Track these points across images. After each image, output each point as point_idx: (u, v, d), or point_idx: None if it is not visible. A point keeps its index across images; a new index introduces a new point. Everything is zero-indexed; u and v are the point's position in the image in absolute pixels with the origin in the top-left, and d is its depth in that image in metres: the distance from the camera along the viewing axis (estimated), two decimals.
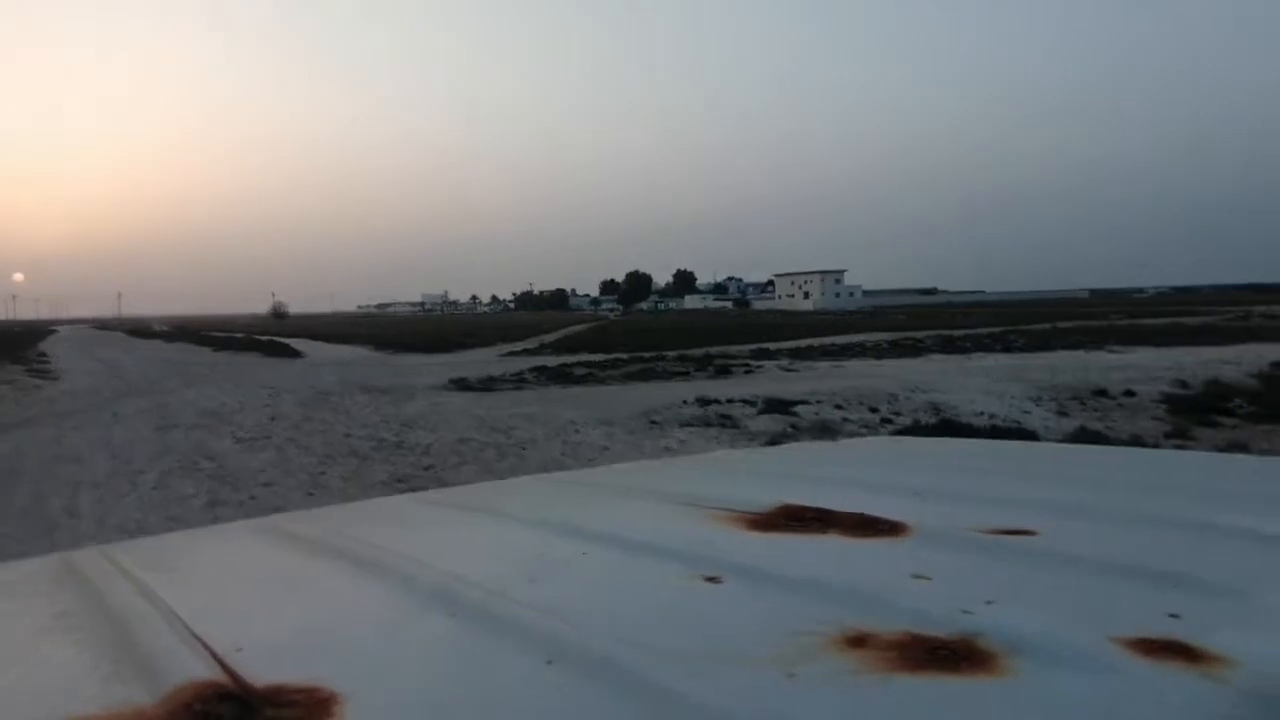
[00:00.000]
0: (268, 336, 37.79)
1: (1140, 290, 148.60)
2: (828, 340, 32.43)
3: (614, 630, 0.66)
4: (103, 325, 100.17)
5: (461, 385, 17.55)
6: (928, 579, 0.73)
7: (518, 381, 18.27)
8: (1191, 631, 0.60)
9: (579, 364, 22.76)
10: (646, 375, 19.56)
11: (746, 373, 19.15)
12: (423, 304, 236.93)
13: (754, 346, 29.43)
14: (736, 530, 0.92)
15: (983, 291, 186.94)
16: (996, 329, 37.03)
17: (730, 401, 12.65)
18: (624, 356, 25.31)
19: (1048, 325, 40.40)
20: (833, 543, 0.86)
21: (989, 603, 0.67)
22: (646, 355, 25.80)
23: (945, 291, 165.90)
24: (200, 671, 0.61)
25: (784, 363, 22.03)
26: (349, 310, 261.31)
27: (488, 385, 17.61)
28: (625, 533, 0.95)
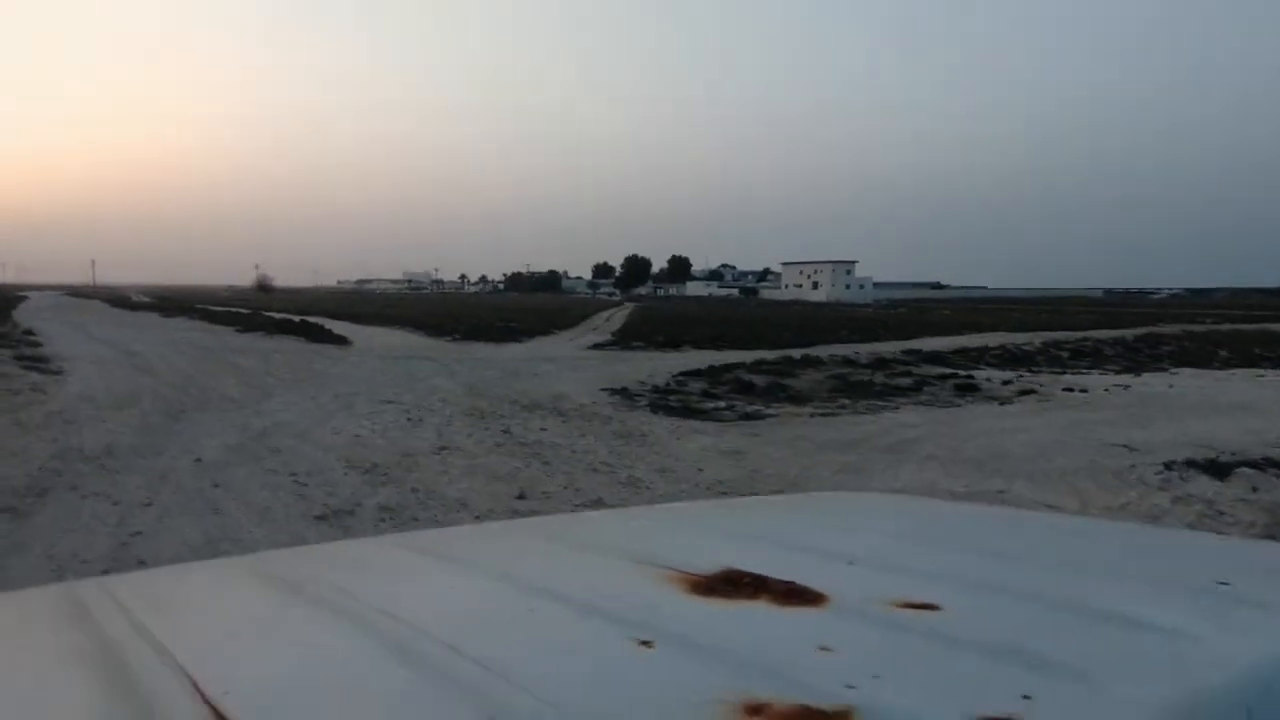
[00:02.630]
0: (299, 317, 32.03)
1: (1153, 291, 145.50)
2: (959, 342, 27.57)
3: (553, 691, 0.72)
4: (76, 292, 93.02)
5: (657, 406, 12.39)
6: (831, 651, 0.79)
7: (722, 399, 13.14)
8: (1037, 713, 0.66)
9: (737, 367, 17.66)
10: (864, 391, 14.55)
11: (1029, 396, 14.09)
12: (409, 281, 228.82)
13: (898, 346, 24.50)
14: (677, 593, 0.96)
15: (984, 287, 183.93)
16: (1126, 331, 32.50)
17: (1235, 468, 7.64)
18: (768, 357, 20.21)
19: (1177, 327, 36.00)
20: (760, 612, 0.91)
21: (875, 677, 0.72)
22: (795, 356, 20.76)
23: (950, 286, 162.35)
24: (196, 716, 0.66)
25: (1006, 375, 17.08)
26: (329, 285, 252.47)
27: (692, 407, 12.46)
28: (574, 590, 1.00)
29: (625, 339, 27.09)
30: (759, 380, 15.65)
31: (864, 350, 23.99)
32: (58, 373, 13.64)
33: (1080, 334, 30.56)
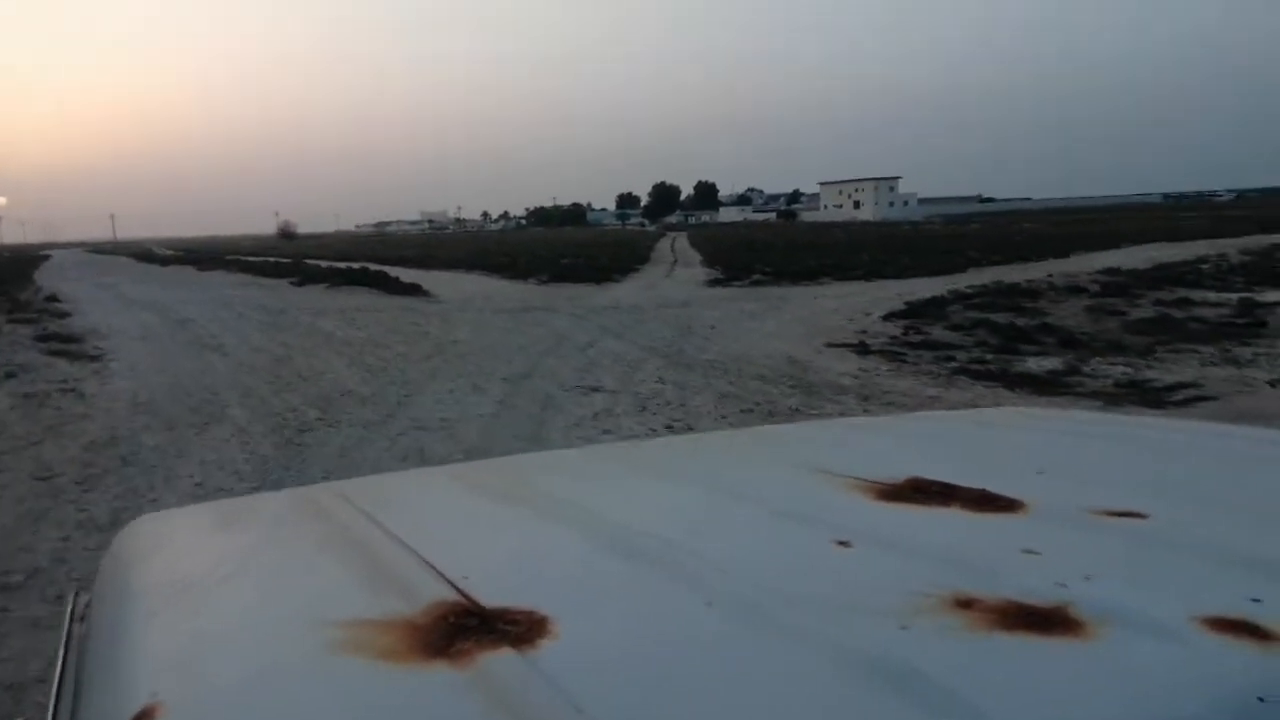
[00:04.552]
0: (354, 266, 28.13)
1: (1215, 194, 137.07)
2: (1132, 257, 23.25)
3: (760, 581, 0.75)
4: (98, 249, 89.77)
5: (954, 369, 8.48)
6: (1036, 554, 0.78)
7: (1025, 355, 9.20)
8: (1268, 615, 0.64)
9: (944, 303, 13.67)
10: (1181, 332, 10.53)
11: None
12: (429, 222, 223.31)
13: (1068, 267, 20.26)
14: (867, 500, 0.97)
15: (1029, 199, 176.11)
16: None
17: None
18: (963, 289, 16.14)
19: None
20: (954, 516, 0.90)
21: (1087, 578, 0.72)
22: (988, 285, 16.67)
23: (994, 200, 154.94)
24: (442, 593, 0.73)
25: None
26: (350, 230, 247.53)
27: (1016, 372, 8.55)
28: (770, 497, 1.03)
29: (737, 273, 22.98)
30: (1018, 321, 11.70)
31: (1037, 272, 19.90)
32: (96, 358, 9.94)
33: (1271, 242, 26.02)
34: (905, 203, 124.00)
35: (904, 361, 9.08)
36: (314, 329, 12.41)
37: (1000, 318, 12.00)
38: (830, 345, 10.33)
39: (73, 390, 8.00)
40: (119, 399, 7.57)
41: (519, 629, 0.66)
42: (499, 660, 0.62)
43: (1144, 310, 12.55)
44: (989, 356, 9.25)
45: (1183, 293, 14.46)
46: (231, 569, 0.88)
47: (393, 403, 7.21)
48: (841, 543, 0.82)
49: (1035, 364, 8.65)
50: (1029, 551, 0.78)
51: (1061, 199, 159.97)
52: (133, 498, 4.76)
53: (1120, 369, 8.18)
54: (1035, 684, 0.58)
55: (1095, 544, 0.81)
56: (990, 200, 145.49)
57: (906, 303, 14.33)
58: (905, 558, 0.78)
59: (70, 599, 0.94)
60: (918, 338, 10.75)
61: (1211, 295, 13.95)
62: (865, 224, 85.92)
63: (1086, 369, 8.29)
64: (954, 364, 8.88)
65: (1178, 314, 11.99)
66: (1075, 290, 15.56)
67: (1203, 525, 0.86)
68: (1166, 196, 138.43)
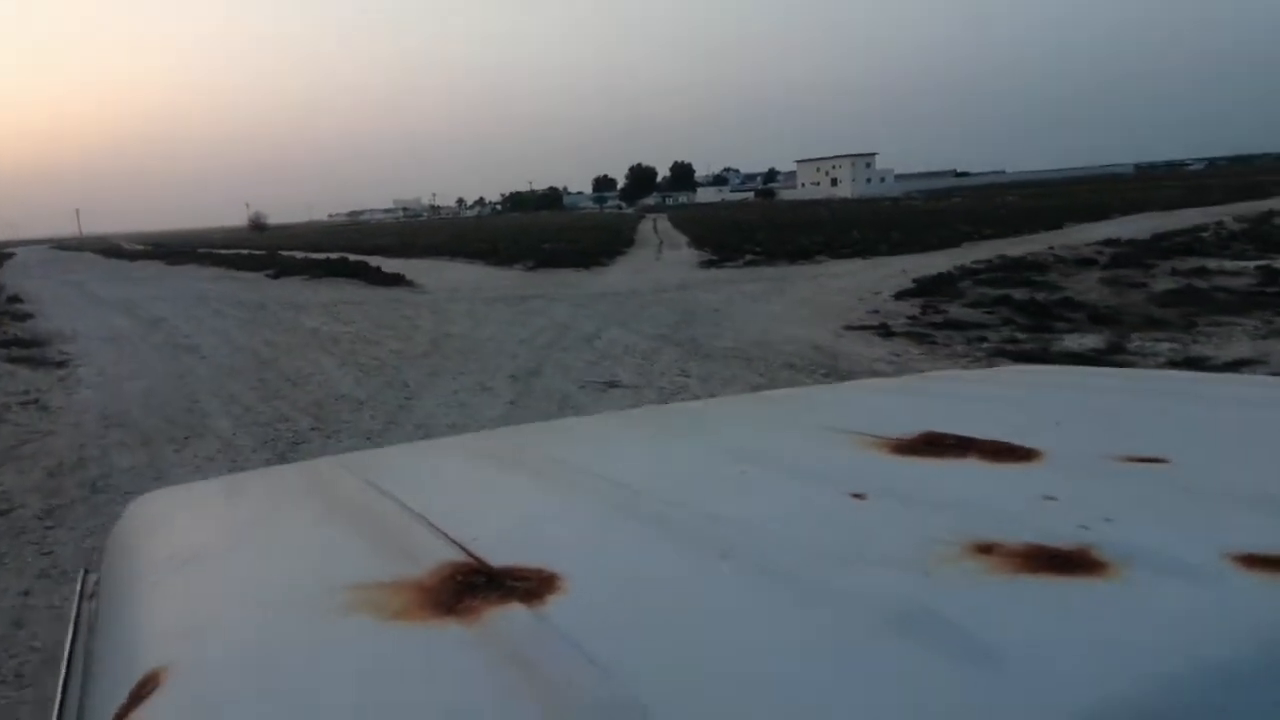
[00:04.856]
0: (334, 256, 27.21)
1: (1186, 163, 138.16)
2: (1128, 227, 22.92)
3: (774, 535, 0.73)
4: (63, 245, 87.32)
5: (997, 351, 7.96)
6: (1055, 500, 0.76)
7: (1056, 332, 8.70)
8: None
9: (954, 279, 13.18)
10: (1211, 304, 10.09)
11: None
12: (403, 209, 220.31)
13: (1065, 238, 19.86)
14: (882, 455, 0.95)
15: (1003, 171, 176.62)
16: None
17: None
18: (968, 264, 15.68)
19: None
20: (970, 467, 0.89)
21: (1108, 520, 0.70)
22: (994, 260, 16.20)
23: (969, 174, 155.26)
24: (450, 554, 0.72)
25: None
26: (322, 220, 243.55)
27: (1054, 351, 8.04)
28: (781, 455, 1.01)
29: (728, 254, 22.42)
30: (1039, 297, 11.22)
31: (1035, 245, 19.48)
32: (61, 364, 9.18)
33: (1263, 208, 25.81)
34: (882, 179, 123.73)
35: (934, 344, 8.56)
36: (297, 325, 11.67)
37: (1019, 293, 11.51)
38: (849, 328, 9.79)
39: (35, 402, 7.27)
40: (88, 412, 6.86)
41: (528, 585, 0.65)
42: (508, 616, 0.61)
43: (1163, 281, 12.12)
44: (1021, 335, 8.76)
45: (1196, 262, 14.05)
46: (238, 540, 0.88)
47: (393, 407, 6.56)
48: (856, 495, 0.81)
49: (1074, 342, 8.15)
50: (1048, 498, 0.77)
51: (1035, 171, 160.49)
52: (104, 536, 4.12)
53: (1166, 345, 7.71)
54: (1061, 625, 0.56)
55: (1116, 489, 0.79)
56: (966, 174, 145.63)
57: (915, 280, 13.82)
58: (922, 508, 0.77)
59: (80, 577, 0.97)
60: (939, 317, 10.24)
61: (1228, 264, 13.55)
62: (845, 201, 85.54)
63: (1130, 346, 7.81)
64: (987, 344, 8.38)
65: (1201, 284, 11.57)
66: (1083, 262, 15.14)
67: (1226, 469, 0.85)
68: (1138, 167, 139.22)
